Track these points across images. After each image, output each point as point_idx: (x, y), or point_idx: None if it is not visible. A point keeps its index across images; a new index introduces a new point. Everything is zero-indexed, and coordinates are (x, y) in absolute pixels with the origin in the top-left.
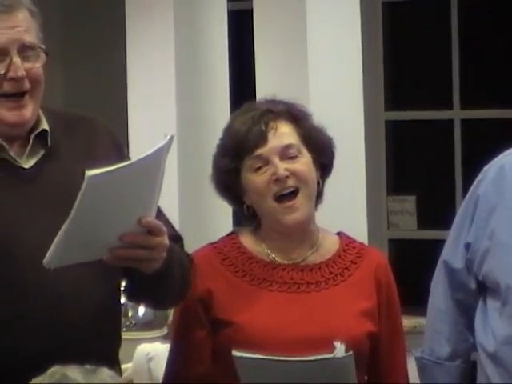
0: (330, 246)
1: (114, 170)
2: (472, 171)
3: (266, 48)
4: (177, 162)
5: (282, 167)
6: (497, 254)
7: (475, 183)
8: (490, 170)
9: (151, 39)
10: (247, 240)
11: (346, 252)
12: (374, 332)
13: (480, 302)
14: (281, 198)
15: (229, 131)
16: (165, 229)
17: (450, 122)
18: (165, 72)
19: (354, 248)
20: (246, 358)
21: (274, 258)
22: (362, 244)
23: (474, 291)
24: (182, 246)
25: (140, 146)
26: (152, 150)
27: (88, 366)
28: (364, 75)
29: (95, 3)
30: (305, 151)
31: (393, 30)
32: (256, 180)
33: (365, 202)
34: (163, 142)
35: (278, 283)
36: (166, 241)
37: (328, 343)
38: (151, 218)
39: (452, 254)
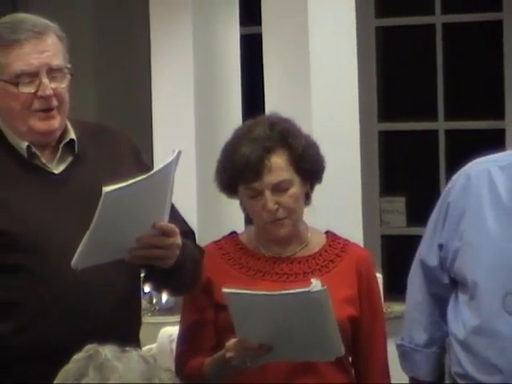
0: (317, 241)
1: (129, 184)
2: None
3: (273, 66)
4: (195, 165)
5: (272, 201)
6: (465, 253)
7: (446, 190)
8: (459, 179)
9: (173, 57)
10: (245, 238)
11: (331, 247)
12: (355, 316)
13: (452, 295)
14: (271, 221)
15: (228, 155)
16: (177, 230)
17: (435, 132)
18: (185, 87)
19: (339, 243)
20: (234, 293)
21: (267, 253)
22: (346, 240)
23: (447, 286)
24: (193, 239)
25: (163, 150)
26: (162, 165)
27: (117, 347)
28: (360, 92)
29: (123, 26)
30: (295, 179)
31: (385, 52)
32: (251, 204)
33: (360, 203)
34: (171, 158)
35: (270, 274)
36: (179, 240)
37: None
38: (164, 222)
39: (427, 254)
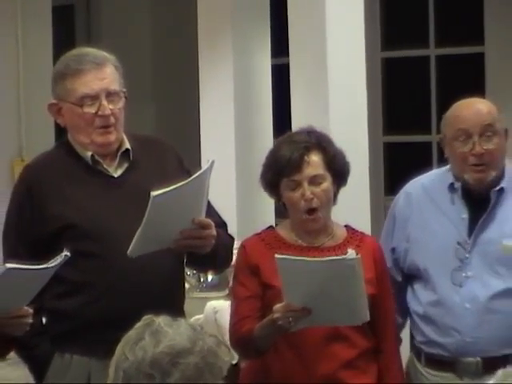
0: (340, 234)
1: (172, 189)
2: None
3: (298, 91)
4: (235, 172)
5: (309, 191)
6: (414, 249)
7: (391, 207)
8: (400, 196)
9: (217, 83)
10: (281, 230)
11: (352, 238)
12: (374, 294)
13: (409, 287)
14: (307, 211)
15: (275, 155)
16: (213, 223)
17: (429, 143)
18: (227, 108)
19: (357, 236)
20: (285, 258)
21: (300, 243)
22: (362, 233)
23: (400, 283)
24: (226, 229)
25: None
26: (199, 172)
27: (169, 317)
28: (368, 111)
29: (176, 56)
30: (327, 176)
31: (389, 80)
32: (291, 196)
33: (368, 201)
34: (206, 166)
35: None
36: (214, 232)
37: None
38: (202, 217)
39: None
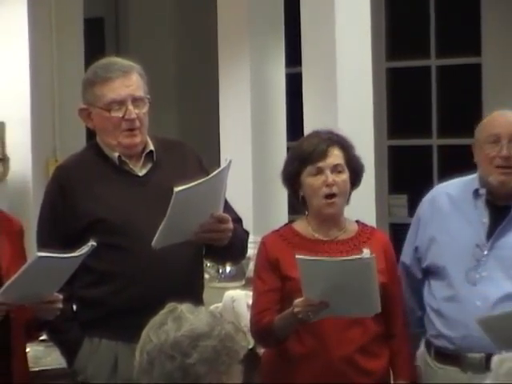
0: (352, 228)
1: (193, 185)
2: (444, 180)
3: (310, 98)
4: (251, 172)
5: (331, 177)
6: (435, 248)
7: (418, 207)
8: (426, 200)
9: (235, 91)
10: (298, 226)
11: (363, 232)
12: (385, 282)
13: (426, 283)
14: (326, 196)
15: (299, 147)
16: (230, 218)
17: (430, 147)
18: (244, 113)
19: (367, 230)
20: (305, 259)
21: (316, 237)
22: (372, 227)
23: (419, 280)
24: (241, 224)
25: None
26: (217, 171)
27: (191, 305)
28: (374, 117)
29: (198, 66)
30: (347, 170)
31: (393, 88)
32: (313, 182)
33: (374, 199)
34: (224, 165)
35: (320, 252)
36: (231, 226)
37: None
38: (219, 212)
39: (406, 256)
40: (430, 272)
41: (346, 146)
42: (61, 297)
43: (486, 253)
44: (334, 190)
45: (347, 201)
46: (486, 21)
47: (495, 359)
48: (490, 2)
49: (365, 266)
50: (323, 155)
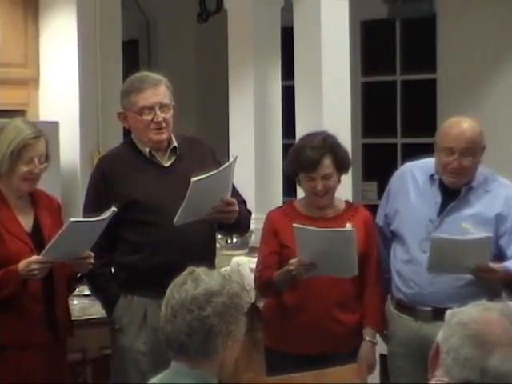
0: (341, 207)
1: (207, 176)
2: None
3: (301, 106)
4: (254, 163)
5: (320, 185)
6: (397, 218)
7: (390, 182)
8: (396, 174)
9: (241, 100)
10: (298, 204)
11: (349, 209)
12: (363, 251)
13: (392, 246)
14: (316, 194)
15: (298, 156)
16: (236, 201)
17: (395, 144)
18: (248, 118)
19: (353, 207)
20: (301, 228)
21: (311, 214)
22: (357, 205)
23: (389, 238)
24: (245, 205)
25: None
26: (225, 165)
27: (206, 268)
28: (352, 119)
29: (211, 76)
30: (335, 173)
31: (367, 99)
32: (306, 185)
33: (350, 185)
34: (231, 160)
35: (313, 226)
36: (237, 208)
37: None
38: (228, 197)
39: (379, 219)
40: (395, 235)
41: (335, 151)
42: (92, 254)
43: (436, 226)
44: (323, 192)
45: (338, 183)
46: (440, 43)
47: (448, 312)
48: (443, 27)
49: (346, 237)
50: (314, 168)
